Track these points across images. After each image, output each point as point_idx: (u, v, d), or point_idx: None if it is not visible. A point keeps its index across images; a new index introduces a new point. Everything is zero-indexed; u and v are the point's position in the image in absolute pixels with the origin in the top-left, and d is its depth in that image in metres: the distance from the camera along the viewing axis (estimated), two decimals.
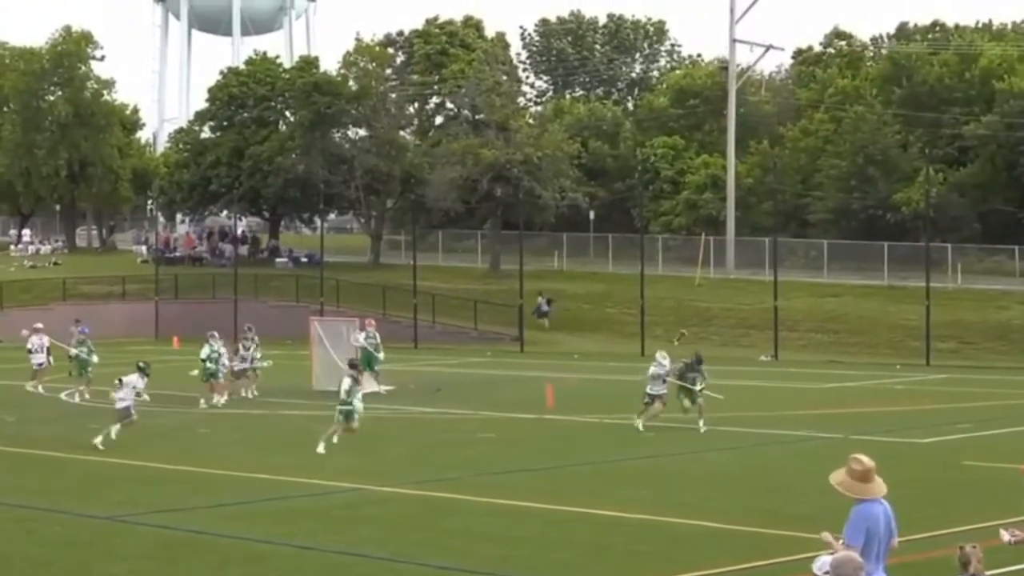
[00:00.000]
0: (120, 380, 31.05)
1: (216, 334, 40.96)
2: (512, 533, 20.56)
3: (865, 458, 12.15)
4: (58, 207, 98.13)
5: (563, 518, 21.67)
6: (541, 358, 58.28)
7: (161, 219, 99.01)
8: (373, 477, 25.81)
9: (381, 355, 43.54)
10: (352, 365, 32.41)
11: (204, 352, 39.79)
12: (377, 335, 43.91)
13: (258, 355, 41.95)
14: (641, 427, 32.12)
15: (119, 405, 30.57)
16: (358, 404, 30.02)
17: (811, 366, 54.44)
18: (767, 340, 60.55)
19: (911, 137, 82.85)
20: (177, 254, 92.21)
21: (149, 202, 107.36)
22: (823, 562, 10.83)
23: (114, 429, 30.41)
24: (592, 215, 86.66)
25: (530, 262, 70.80)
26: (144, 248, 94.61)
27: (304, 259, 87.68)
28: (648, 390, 32.49)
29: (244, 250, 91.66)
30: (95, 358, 42.10)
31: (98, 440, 29.85)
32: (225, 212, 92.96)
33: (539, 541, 19.96)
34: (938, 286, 62.35)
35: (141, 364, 31.73)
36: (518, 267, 66.35)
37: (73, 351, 42.39)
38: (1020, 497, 19.45)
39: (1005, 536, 13.37)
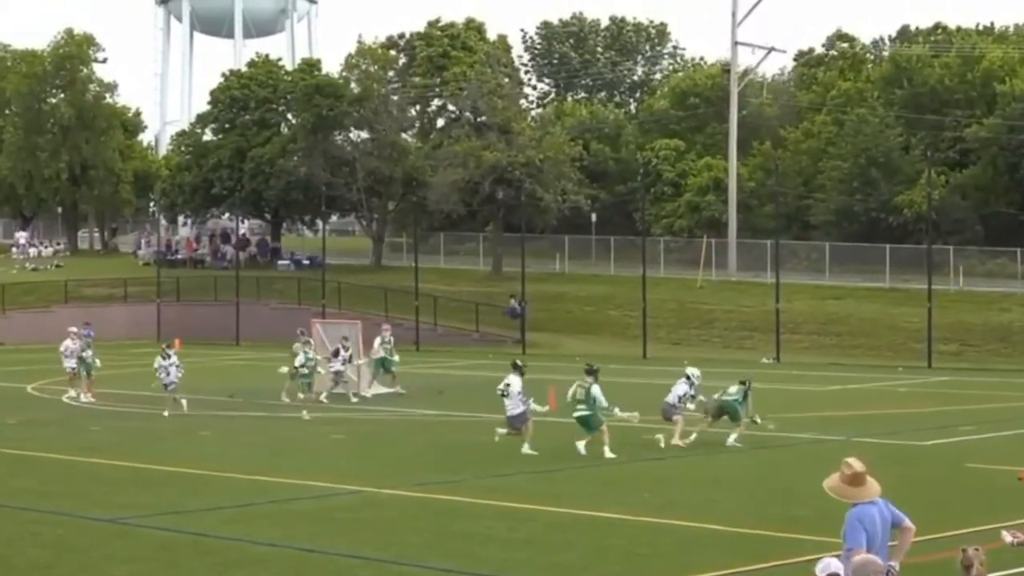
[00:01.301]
0: (506, 387, 30.01)
1: (311, 341, 40.28)
2: (514, 535, 20.58)
3: (855, 462, 12.23)
4: (60, 210, 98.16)
5: (565, 520, 21.67)
6: (543, 360, 58.27)
7: (163, 221, 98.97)
8: (375, 479, 25.83)
9: (396, 357, 44.53)
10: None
11: (299, 360, 39.34)
12: (392, 339, 44.89)
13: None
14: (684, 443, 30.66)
15: (512, 412, 29.96)
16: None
17: (813, 368, 54.51)
18: (769, 342, 60.64)
19: (913, 139, 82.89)
20: (179, 256, 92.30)
21: (151, 204, 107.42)
22: (826, 564, 10.80)
23: (500, 432, 30.38)
24: (594, 217, 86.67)
25: (532, 264, 70.84)
26: (144, 250, 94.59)
27: (306, 261, 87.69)
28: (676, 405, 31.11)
29: (254, 248, 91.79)
30: (98, 362, 42.37)
31: (526, 450, 29.51)
32: (227, 215, 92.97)
33: (541, 543, 19.97)
34: (940, 288, 62.39)
35: (518, 363, 30.98)
36: (520, 269, 66.37)
37: (80, 354, 42.40)
38: (1021, 500, 19.50)
39: (1007, 538, 13.36)
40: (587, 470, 27.45)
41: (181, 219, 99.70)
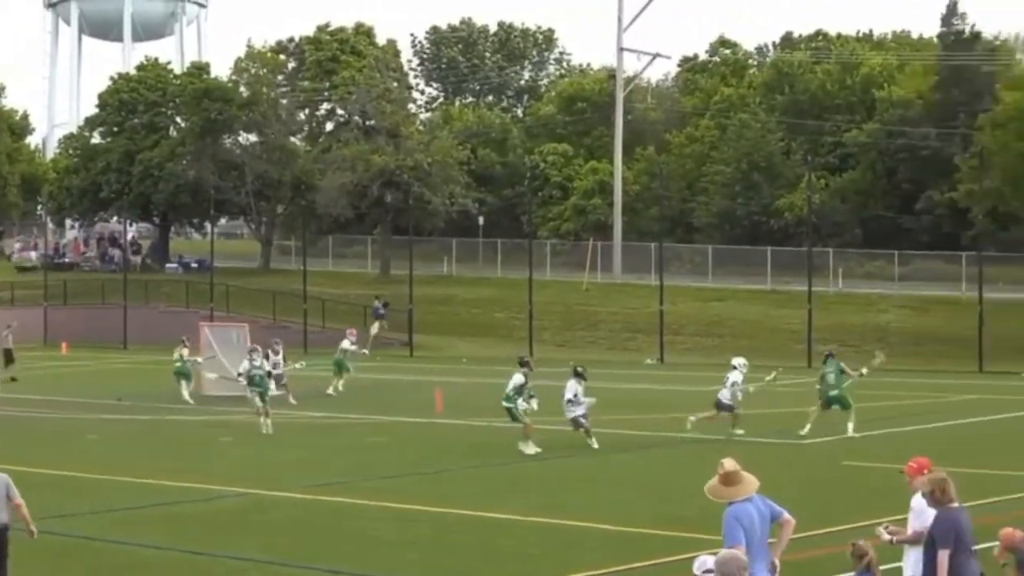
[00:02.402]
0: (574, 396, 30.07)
1: (258, 348, 38.38)
2: (404, 536, 20.72)
3: (728, 461, 12.41)
4: None
5: (454, 521, 21.89)
6: (430, 362, 58.67)
7: (51, 225, 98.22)
8: (264, 482, 25.90)
9: (353, 366, 45.44)
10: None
11: (243, 367, 36.60)
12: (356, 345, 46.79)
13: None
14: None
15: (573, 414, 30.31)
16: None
17: (696, 369, 54.58)
18: (653, 343, 61.18)
19: (794, 144, 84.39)
20: (66, 260, 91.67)
21: (39, 208, 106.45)
22: (702, 561, 10.97)
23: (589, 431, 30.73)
24: (481, 221, 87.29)
25: (420, 267, 71.04)
26: (18, 254, 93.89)
27: (194, 264, 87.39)
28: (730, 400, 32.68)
29: (146, 255, 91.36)
30: None
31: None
32: (115, 218, 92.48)
33: (431, 544, 20.15)
34: (820, 290, 63.33)
35: (579, 369, 30.79)
36: (408, 272, 66.56)
37: None
38: (899, 497, 20.14)
39: (884, 535, 13.87)
40: (476, 471, 27.71)
41: (69, 222, 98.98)
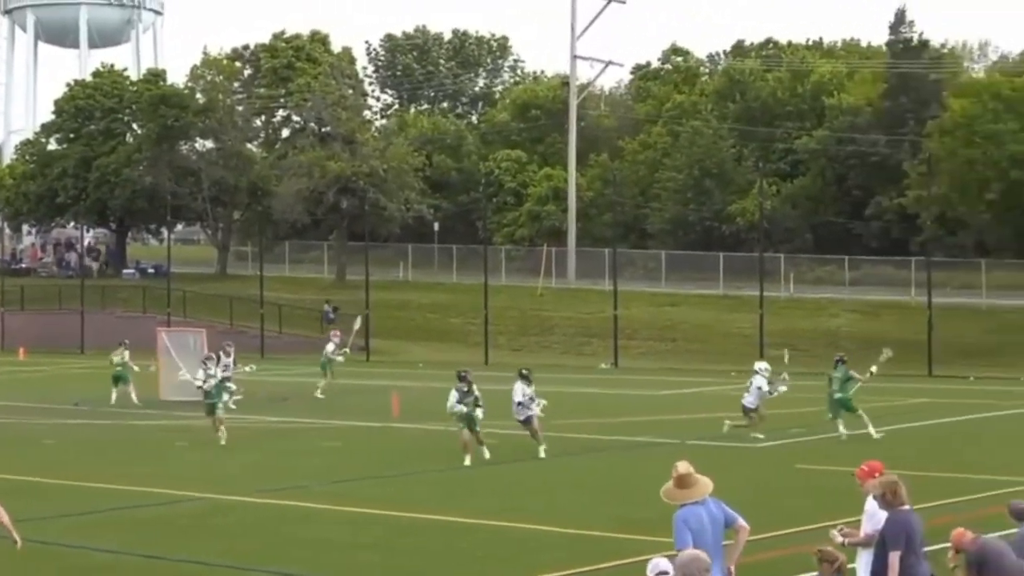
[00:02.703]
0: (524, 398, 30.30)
1: (213, 356, 37.33)
2: (359, 540, 20.86)
3: (681, 464, 12.53)
4: None
5: (410, 525, 22.04)
6: (387, 367, 58.95)
7: (7, 230, 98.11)
8: (220, 486, 25.97)
9: (340, 358, 46.86)
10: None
11: (198, 376, 34.88)
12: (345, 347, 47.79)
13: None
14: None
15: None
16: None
17: (650, 373, 55.25)
18: (607, 348, 61.58)
19: (745, 151, 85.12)
20: (23, 265, 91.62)
21: None
22: (655, 564, 11.00)
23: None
24: (437, 227, 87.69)
25: (376, 273, 71.13)
26: None
27: (151, 270, 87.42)
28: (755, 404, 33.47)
29: (104, 261, 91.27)
30: None
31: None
32: (72, 223, 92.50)
33: (386, 548, 20.28)
34: (771, 295, 63.91)
35: (524, 371, 30.73)
36: (364, 277, 66.84)
37: None
38: (853, 500, 20.41)
39: (837, 537, 13.90)
40: (432, 475, 27.81)
41: (26, 228, 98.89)
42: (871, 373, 33.77)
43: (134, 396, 42.54)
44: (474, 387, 29.67)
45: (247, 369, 43.32)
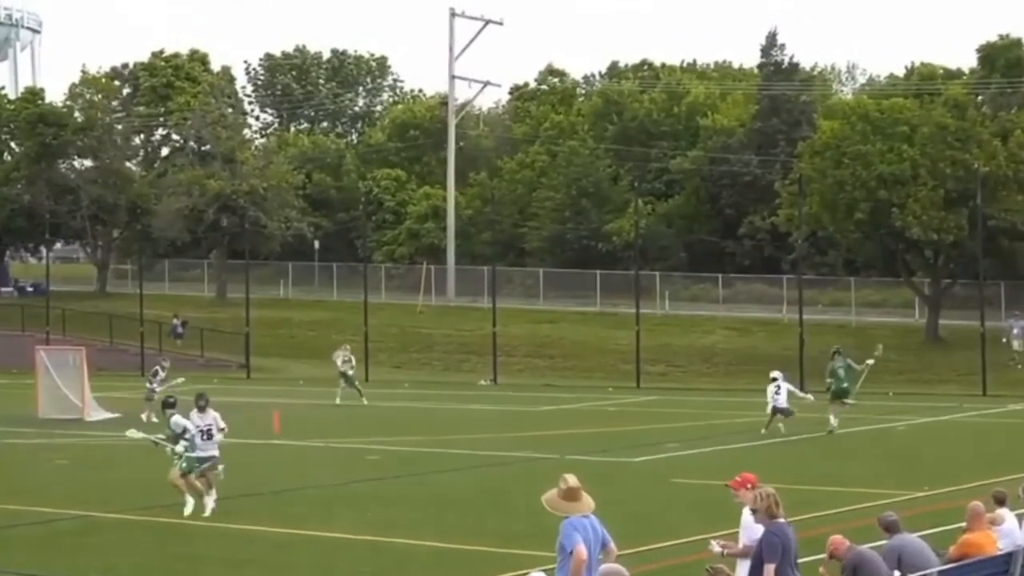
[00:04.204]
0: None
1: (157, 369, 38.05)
2: (238, 556, 21.01)
3: (571, 477, 12.75)
4: None
5: (289, 541, 22.17)
6: (267, 384, 59.04)
7: None
8: (99, 504, 25.96)
9: (352, 372, 49.43)
10: (169, 405, 26.71)
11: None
12: (352, 358, 50.31)
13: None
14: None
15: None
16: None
17: (528, 389, 55.92)
18: (487, 365, 61.94)
19: (622, 170, 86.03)
20: None
21: None
22: None
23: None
24: (317, 245, 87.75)
25: (256, 291, 71.09)
26: None
27: (30, 288, 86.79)
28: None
29: None
30: None
31: None
32: None
33: (265, 564, 20.45)
34: (647, 312, 64.76)
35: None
36: (244, 296, 66.79)
37: None
38: (729, 512, 20.94)
39: (716, 548, 14.38)
40: (310, 491, 27.95)
41: None
42: (868, 365, 38.03)
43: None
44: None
45: (177, 381, 43.29)
